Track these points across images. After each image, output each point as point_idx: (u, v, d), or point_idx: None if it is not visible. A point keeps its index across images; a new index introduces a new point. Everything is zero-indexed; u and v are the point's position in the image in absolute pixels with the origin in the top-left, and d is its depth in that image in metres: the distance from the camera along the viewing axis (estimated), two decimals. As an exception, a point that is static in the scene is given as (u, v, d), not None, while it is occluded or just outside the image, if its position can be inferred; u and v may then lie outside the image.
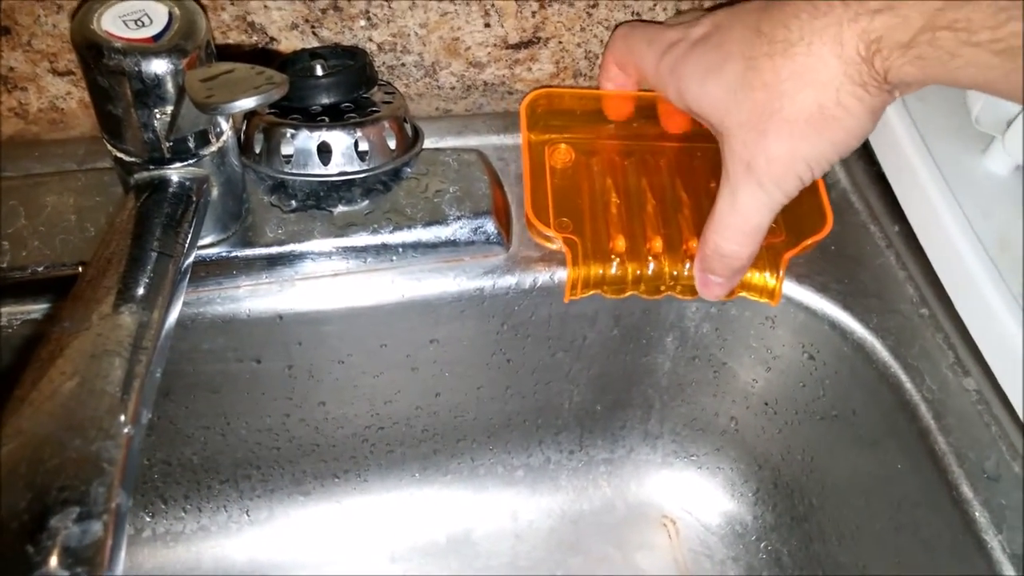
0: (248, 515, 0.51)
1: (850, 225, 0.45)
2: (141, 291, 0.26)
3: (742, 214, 0.36)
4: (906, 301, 0.42)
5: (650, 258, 0.41)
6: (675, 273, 0.41)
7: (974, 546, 0.37)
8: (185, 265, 0.29)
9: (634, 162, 0.45)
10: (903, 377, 0.40)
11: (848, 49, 0.31)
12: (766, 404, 0.49)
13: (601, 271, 0.40)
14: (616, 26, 0.45)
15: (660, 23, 0.42)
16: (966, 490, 0.37)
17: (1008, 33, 0.28)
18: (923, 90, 0.46)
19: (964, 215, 0.41)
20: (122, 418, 0.22)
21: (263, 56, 0.44)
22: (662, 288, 0.41)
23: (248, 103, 0.25)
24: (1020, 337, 0.37)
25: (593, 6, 0.46)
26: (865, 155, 0.47)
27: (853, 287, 0.42)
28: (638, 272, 0.41)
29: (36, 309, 0.37)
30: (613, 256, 0.41)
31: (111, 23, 0.30)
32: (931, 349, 0.40)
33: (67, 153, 0.42)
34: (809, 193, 0.43)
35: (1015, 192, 0.43)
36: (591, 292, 0.41)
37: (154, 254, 0.28)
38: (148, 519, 0.49)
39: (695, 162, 0.45)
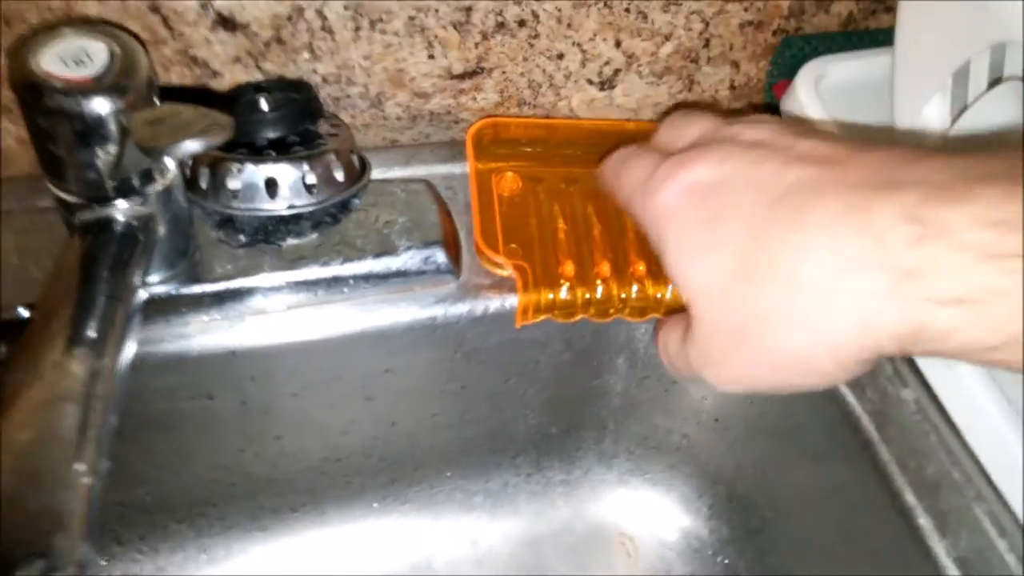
0: (206, 553, 0.50)
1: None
2: (92, 336, 0.26)
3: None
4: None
5: (598, 282, 0.42)
6: (623, 296, 0.42)
7: (920, 552, 0.38)
8: (134, 307, 0.29)
9: (579, 188, 0.45)
10: (845, 390, 0.41)
11: (880, 327, 0.24)
12: (716, 420, 0.50)
13: (551, 296, 0.41)
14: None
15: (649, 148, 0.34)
16: (909, 497, 0.39)
17: None
18: (853, 111, 0.48)
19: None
20: (80, 467, 0.21)
21: (205, 92, 0.44)
22: (611, 311, 0.42)
23: (194, 146, 0.25)
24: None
25: (535, 37, 0.47)
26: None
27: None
28: (587, 296, 0.41)
29: (-22, 354, 0.36)
30: (562, 281, 0.41)
31: (50, 62, 0.30)
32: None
33: (7, 192, 0.41)
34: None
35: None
36: (542, 317, 0.42)
37: (102, 298, 0.28)
38: (104, 563, 0.48)
39: None
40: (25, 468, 0.21)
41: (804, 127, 0.31)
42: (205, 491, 0.48)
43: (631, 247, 0.43)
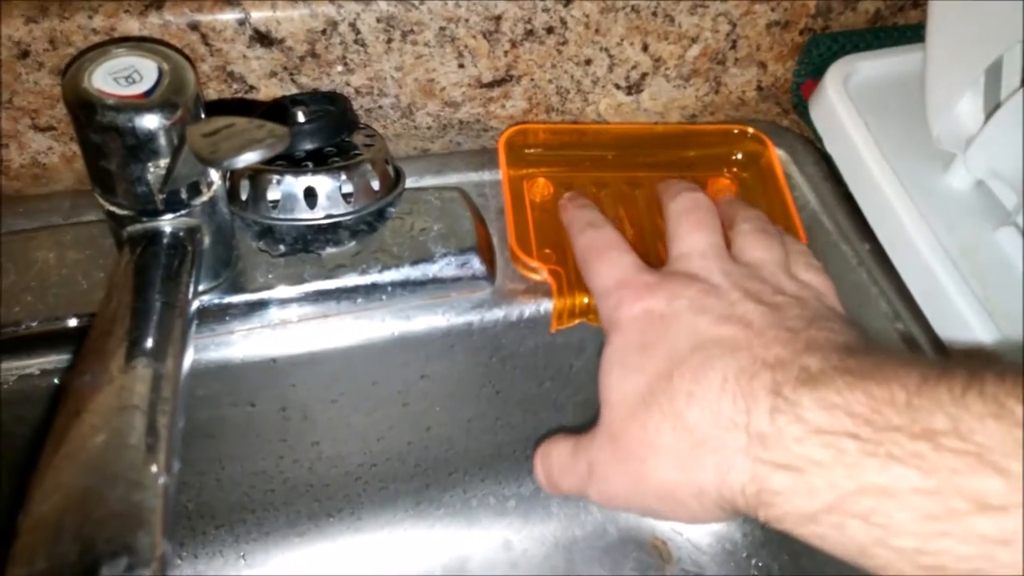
0: (244, 559, 0.51)
1: (822, 245, 0.46)
2: (151, 343, 0.27)
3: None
4: (881, 317, 0.43)
5: None
6: None
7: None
8: (190, 314, 0.30)
9: (610, 193, 0.46)
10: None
11: (734, 481, 0.28)
12: (750, 421, 0.50)
13: (586, 300, 0.41)
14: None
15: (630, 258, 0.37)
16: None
17: (938, 549, 0.23)
18: (883, 109, 0.48)
19: (930, 230, 0.42)
20: (154, 468, 0.22)
21: (243, 104, 0.44)
22: None
23: (254, 156, 0.26)
24: (988, 342, 0.39)
25: (563, 43, 0.47)
26: (832, 176, 0.49)
27: (829, 304, 0.44)
28: None
29: (32, 364, 0.37)
30: None
31: (102, 80, 0.31)
32: (907, 361, 0.42)
33: (52, 208, 0.42)
34: (782, 216, 0.45)
35: (976, 206, 0.45)
36: (577, 321, 0.42)
37: (158, 305, 0.28)
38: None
39: None
40: (103, 468, 0.22)
41: (769, 280, 0.35)
42: (244, 497, 0.48)
43: (664, 249, 0.43)
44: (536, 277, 0.43)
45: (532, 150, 0.47)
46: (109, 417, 0.23)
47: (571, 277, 0.42)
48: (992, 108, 0.44)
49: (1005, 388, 0.23)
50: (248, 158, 0.26)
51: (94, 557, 0.20)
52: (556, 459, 0.35)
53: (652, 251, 0.43)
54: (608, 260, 0.36)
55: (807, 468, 0.25)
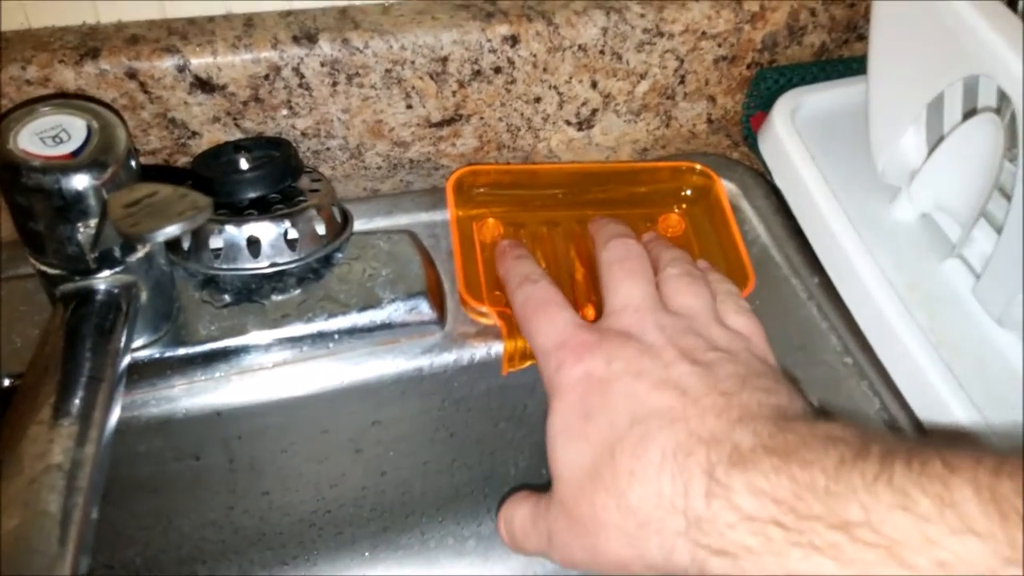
0: (196, 612, 0.50)
1: (772, 279, 0.46)
2: (73, 422, 0.26)
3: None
4: (830, 351, 0.44)
5: None
6: None
7: None
8: (117, 378, 0.29)
9: (561, 231, 0.46)
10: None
11: (677, 561, 0.29)
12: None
13: None
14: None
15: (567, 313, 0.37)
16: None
17: None
18: (830, 142, 0.49)
19: (876, 263, 0.43)
20: (64, 570, 0.21)
21: (183, 151, 0.44)
22: None
23: (173, 231, 0.25)
24: (934, 375, 0.39)
25: (511, 82, 0.47)
26: (782, 209, 0.49)
27: (779, 340, 0.44)
28: None
29: (-38, 427, 0.36)
30: None
31: (28, 141, 0.30)
32: (857, 396, 0.42)
33: (-12, 261, 0.41)
34: (731, 251, 0.45)
35: (921, 238, 0.45)
36: (528, 363, 0.42)
37: (84, 379, 0.27)
38: (91, 626, 0.48)
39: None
40: (13, 556, 0.21)
41: (703, 333, 0.35)
42: (194, 549, 0.47)
43: None
44: (486, 321, 0.42)
45: (481, 190, 0.46)
46: (19, 512, 0.22)
47: None
48: (935, 142, 0.45)
49: (912, 478, 0.25)
50: (167, 232, 0.25)
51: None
52: (519, 524, 0.36)
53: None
54: (547, 317, 0.37)
55: (740, 554, 0.27)
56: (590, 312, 0.42)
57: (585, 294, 0.43)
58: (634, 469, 0.30)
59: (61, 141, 0.30)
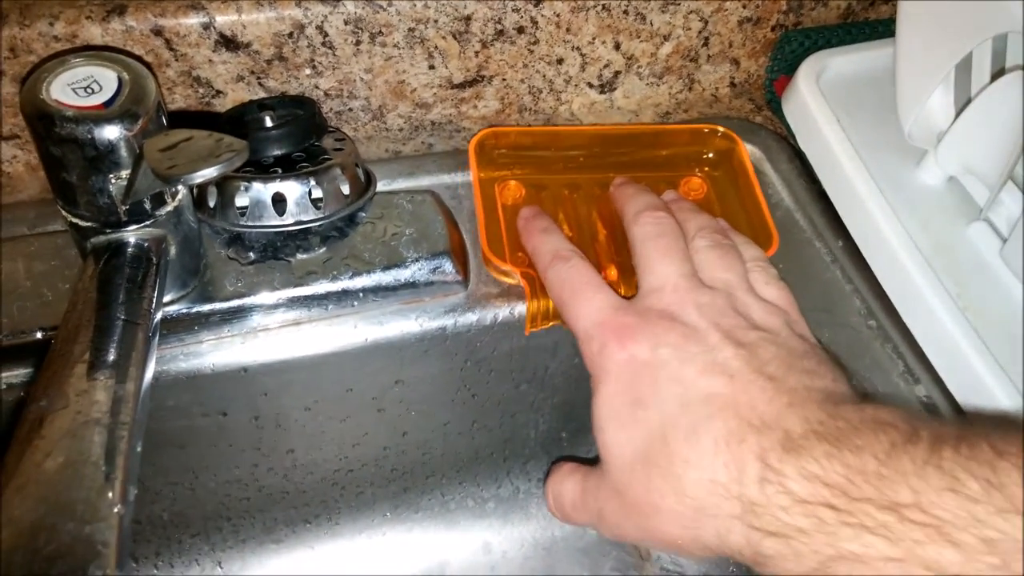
0: (221, 567, 0.50)
1: (796, 242, 0.46)
2: (112, 361, 0.26)
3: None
4: (854, 314, 0.43)
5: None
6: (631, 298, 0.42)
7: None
8: (152, 330, 0.29)
9: (583, 195, 0.46)
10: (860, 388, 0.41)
11: (732, 543, 0.30)
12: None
13: None
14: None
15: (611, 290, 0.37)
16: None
17: None
18: (856, 105, 0.48)
19: (902, 227, 0.42)
20: (110, 496, 0.22)
21: (207, 115, 0.44)
22: None
23: (211, 172, 0.25)
24: (961, 338, 0.39)
25: (534, 43, 0.47)
26: (806, 173, 0.49)
27: (803, 303, 0.44)
28: None
29: (-4, 379, 0.37)
30: None
31: (60, 91, 0.30)
32: (881, 359, 0.42)
33: (17, 218, 0.41)
34: (754, 213, 0.45)
35: (948, 202, 0.45)
36: (551, 324, 0.42)
37: (120, 322, 0.28)
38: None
39: None
40: (56, 498, 0.21)
41: (741, 310, 0.36)
42: (219, 506, 0.48)
43: None
44: (509, 280, 0.43)
45: (503, 152, 0.46)
46: (64, 445, 0.23)
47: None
48: (962, 104, 0.44)
49: (960, 462, 0.26)
50: (205, 174, 0.25)
51: (46, 591, 0.20)
52: (568, 498, 0.37)
53: (627, 253, 0.43)
54: (585, 300, 0.36)
55: (793, 535, 0.28)
56: (613, 272, 0.42)
57: (608, 255, 0.43)
58: (688, 456, 0.31)
59: (92, 92, 0.30)
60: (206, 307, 0.38)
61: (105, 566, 0.20)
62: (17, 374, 0.37)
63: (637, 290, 0.37)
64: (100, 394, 0.25)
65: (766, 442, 0.29)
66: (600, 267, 0.42)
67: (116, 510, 0.22)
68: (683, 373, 0.33)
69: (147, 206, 0.33)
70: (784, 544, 0.28)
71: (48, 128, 0.30)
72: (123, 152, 0.30)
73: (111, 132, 0.30)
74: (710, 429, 0.31)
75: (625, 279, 0.42)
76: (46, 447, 0.22)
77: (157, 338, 0.30)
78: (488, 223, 0.43)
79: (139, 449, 0.24)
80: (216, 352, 0.39)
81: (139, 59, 0.33)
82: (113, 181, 0.31)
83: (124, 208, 0.32)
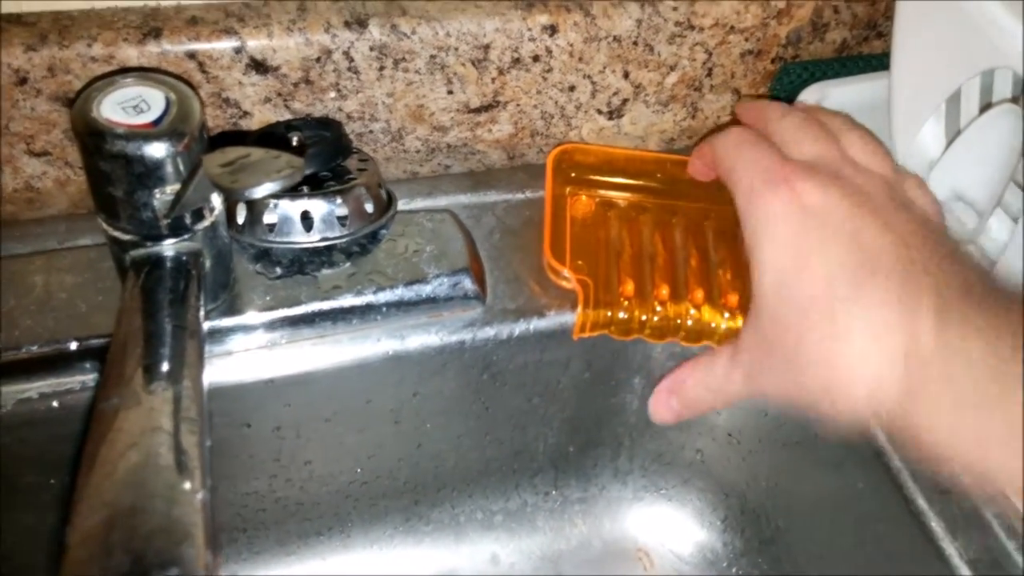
0: (234, 579, 0.51)
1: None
2: (168, 365, 0.27)
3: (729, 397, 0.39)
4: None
5: (656, 304, 0.44)
6: (679, 320, 0.44)
7: (933, 554, 0.40)
8: (202, 335, 0.31)
9: (649, 218, 0.48)
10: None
11: (884, 398, 0.31)
12: (730, 435, 0.52)
13: (609, 313, 0.43)
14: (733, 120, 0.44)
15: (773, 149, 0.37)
16: (921, 503, 0.41)
17: None
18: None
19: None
20: (188, 486, 0.23)
21: (236, 134, 0.45)
22: (667, 334, 0.44)
23: (273, 187, 0.27)
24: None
25: (548, 71, 0.49)
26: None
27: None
28: (644, 317, 0.43)
29: (31, 388, 0.37)
30: (623, 299, 0.43)
31: (111, 110, 0.32)
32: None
33: (47, 232, 0.43)
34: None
35: (941, 226, 0.47)
36: (599, 332, 0.43)
37: (170, 327, 0.29)
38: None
39: (706, 223, 0.48)
40: (139, 488, 0.23)
41: (896, 189, 0.36)
42: (236, 517, 0.49)
43: (692, 276, 0.45)
44: (566, 285, 0.44)
45: (578, 169, 0.49)
46: (139, 438, 0.24)
47: (599, 290, 0.43)
48: (953, 134, 0.47)
49: None
50: (267, 188, 0.27)
51: (144, 569, 0.21)
52: (720, 371, 0.38)
53: (683, 282, 0.45)
54: (754, 149, 0.37)
55: (955, 396, 0.28)
56: (664, 292, 0.44)
57: (664, 276, 0.45)
58: (852, 310, 0.31)
59: (141, 111, 0.32)
60: (235, 320, 0.39)
61: (197, 545, 0.21)
62: (50, 383, 0.38)
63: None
64: (164, 392, 0.26)
65: (930, 301, 0.30)
66: (654, 285, 0.44)
67: (199, 496, 0.23)
68: (854, 226, 0.33)
69: (187, 221, 0.34)
70: (940, 408, 0.29)
71: (99, 145, 0.31)
72: (169, 168, 0.32)
73: (159, 149, 0.31)
74: (877, 280, 0.31)
75: (676, 300, 0.44)
76: (123, 440, 0.24)
77: (205, 344, 0.32)
78: (554, 231, 0.45)
79: (209, 444, 0.26)
80: (243, 365, 0.40)
81: (183, 79, 0.35)
82: (157, 196, 0.33)
83: (165, 222, 0.33)
